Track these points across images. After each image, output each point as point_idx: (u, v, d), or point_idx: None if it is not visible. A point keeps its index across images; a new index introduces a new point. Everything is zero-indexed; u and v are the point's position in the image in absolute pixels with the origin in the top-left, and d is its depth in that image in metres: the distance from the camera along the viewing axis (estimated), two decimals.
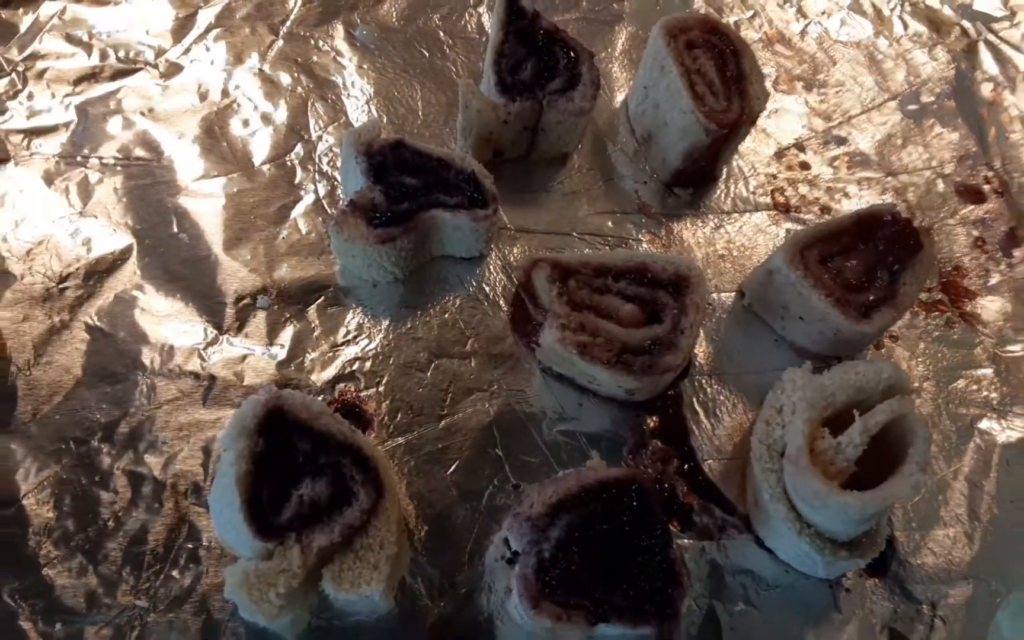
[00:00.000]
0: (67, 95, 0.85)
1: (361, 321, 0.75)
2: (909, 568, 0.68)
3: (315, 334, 0.74)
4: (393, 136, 0.76)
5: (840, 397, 0.65)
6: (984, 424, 0.74)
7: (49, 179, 0.82)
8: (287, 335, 0.73)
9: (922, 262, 0.74)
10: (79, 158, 0.83)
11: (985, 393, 0.76)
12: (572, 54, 0.82)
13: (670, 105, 0.79)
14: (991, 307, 0.80)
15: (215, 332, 0.74)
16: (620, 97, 0.89)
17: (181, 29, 0.89)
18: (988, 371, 0.77)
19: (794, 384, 0.67)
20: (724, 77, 0.79)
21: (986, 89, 0.89)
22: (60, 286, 0.76)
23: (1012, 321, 0.79)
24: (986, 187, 0.84)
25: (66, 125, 0.83)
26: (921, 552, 0.69)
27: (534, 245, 0.80)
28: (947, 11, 0.92)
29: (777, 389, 0.69)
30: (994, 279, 0.81)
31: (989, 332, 0.79)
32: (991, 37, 0.91)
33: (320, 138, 0.84)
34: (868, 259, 0.75)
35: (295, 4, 0.90)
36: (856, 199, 0.83)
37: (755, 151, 0.86)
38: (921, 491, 0.69)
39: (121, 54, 0.87)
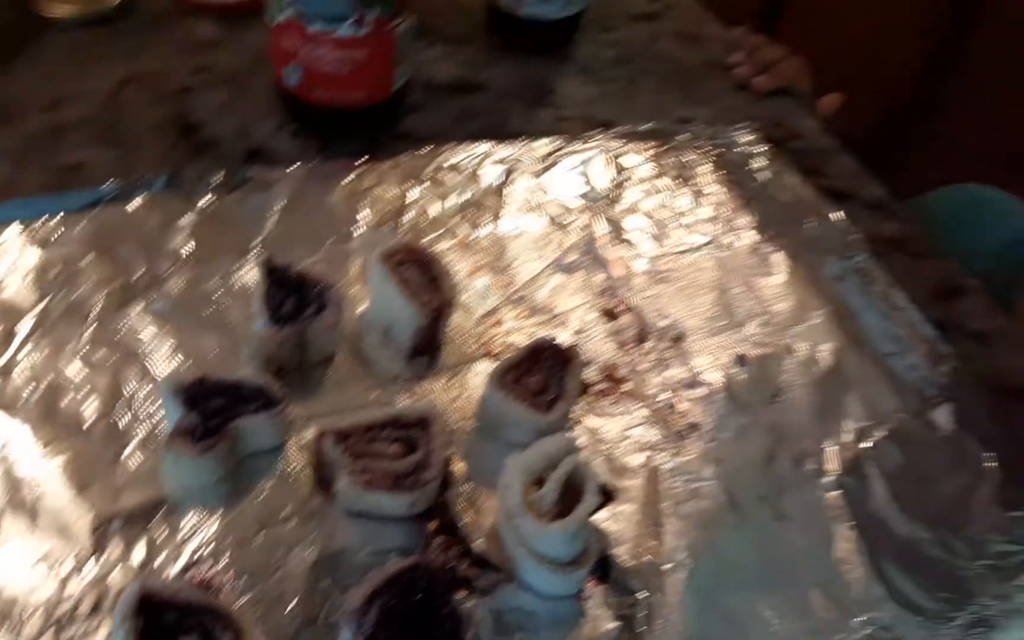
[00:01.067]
0: None
1: (195, 520, 0.92)
2: (624, 570, 0.94)
3: (161, 539, 0.90)
4: (197, 374, 1.01)
5: (538, 464, 0.96)
6: (654, 461, 1.04)
7: None
8: (140, 547, 0.89)
9: (575, 368, 1.11)
10: None
11: (647, 439, 1.10)
12: (319, 286, 1.11)
13: (396, 305, 1.08)
14: (638, 385, 1.18)
15: (82, 560, 0.87)
16: (362, 307, 1.17)
17: (7, 338, 1.06)
18: (646, 425, 1.09)
19: (512, 465, 0.98)
20: (426, 279, 1.11)
21: (605, 244, 1.33)
22: None
23: (652, 388, 1.16)
24: (619, 308, 1.25)
25: None
26: (629, 559, 0.95)
27: (320, 426, 1.00)
28: (572, 200, 1.38)
29: (503, 473, 0.99)
30: (636, 367, 1.17)
31: (641, 401, 1.12)
32: (601, 212, 1.37)
33: (135, 393, 1.03)
34: (543, 373, 1.09)
35: (99, 298, 1.10)
36: (537, 336, 1.12)
37: (465, 321, 1.16)
38: (596, 511, 0.94)
39: None
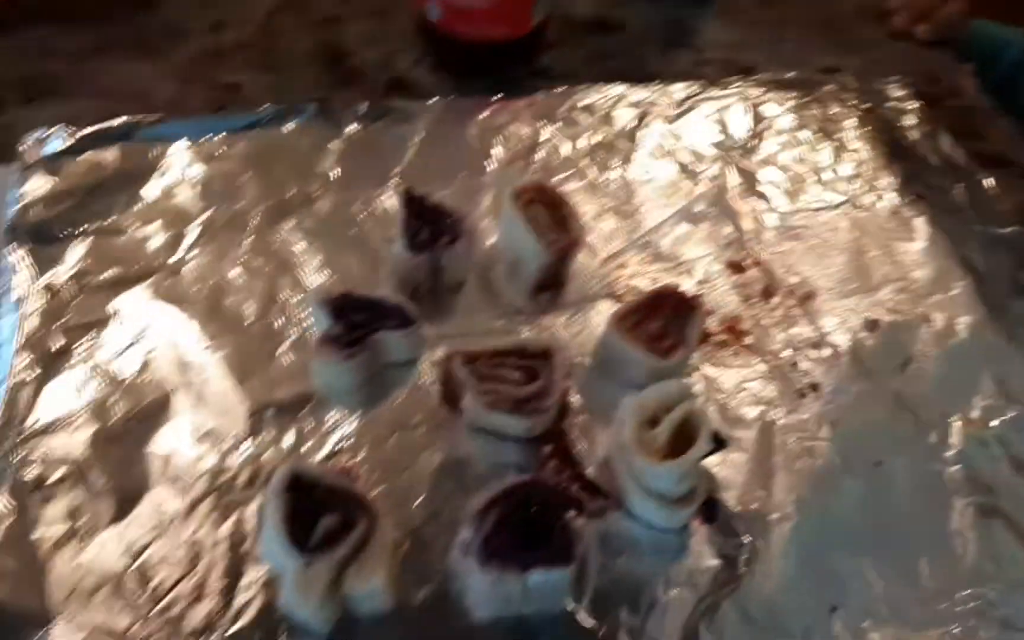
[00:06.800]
0: (108, 297, 1.17)
1: (338, 416, 1.08)
2: (730, 515, 1.02)
3: (308, 429, 1.06)
4: (343, 289, 1.14)
5: (654, 405, 1.05)
6: (769, 415, 1.11)
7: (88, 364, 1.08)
8: (290, 434, 1.06)
9: (698, 317, 1.16)
10: (122, 339, 1.13)
11: (764, 394, 1.14)
12: (453, 217, 1.22)
13: (523, 242, 1.19)
14: (760, 340, 1.20)
15: (240, 439, 1.05)
16: (491, 240, 1.29)
17: (177, 240, 1.25)
18: (764, 380, 1.15)
19: (629, 402, 1.08)
20: (554, 218, 1.21)
21: (736, 195, 1.39)
22: (126, 424, 1.05)
23: (774, 345, 1.18)
24: (746, 261, 1.27)
25: (108, 319, 1.15)
26: (736, 504, 1.03)
27: (450, 347, 1.12)
28: (705, 148, 1.44)
29: (620, 409, 1.09)
30: (760, 322, 1.20)
31: (761, 356, 1.18)
32: (735, 162, 1.43)
33: (288, 299, 1.19)
34: (664, 320, 1.16)
35: (257, 212, 1.28)
36: (660, 282, 1.21)
37: (589, 262, 1.25)
38: (714, 459, 1.05)
39: (138, 266, 1.21)
